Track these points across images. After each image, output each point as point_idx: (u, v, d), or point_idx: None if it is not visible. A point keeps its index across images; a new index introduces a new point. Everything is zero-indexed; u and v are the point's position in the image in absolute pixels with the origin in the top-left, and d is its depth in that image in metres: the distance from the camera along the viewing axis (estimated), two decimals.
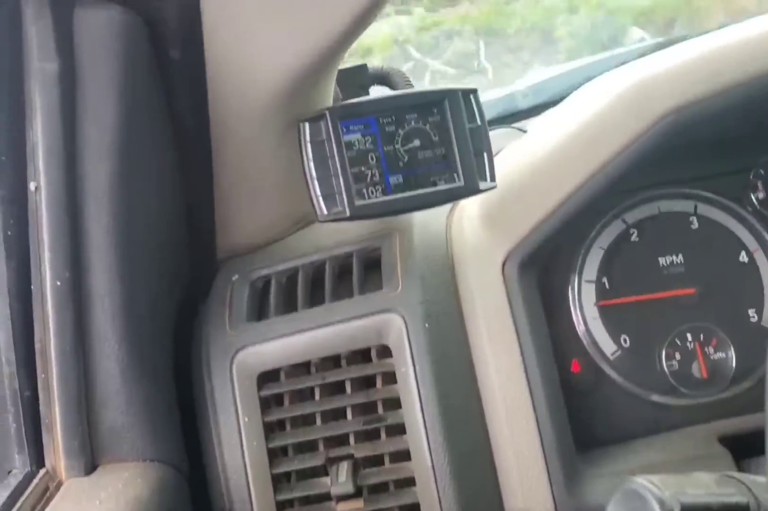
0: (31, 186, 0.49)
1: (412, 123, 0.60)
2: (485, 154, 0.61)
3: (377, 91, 0.76)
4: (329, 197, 0.58)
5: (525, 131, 0.89)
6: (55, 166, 0.48)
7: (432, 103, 0.60)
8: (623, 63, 0.76)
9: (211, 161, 0.61)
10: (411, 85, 0.74)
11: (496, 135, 0.93)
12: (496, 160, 0.64)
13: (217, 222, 0.65)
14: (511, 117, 1.05)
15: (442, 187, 0.60)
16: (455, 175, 0.60)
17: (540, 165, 0.63)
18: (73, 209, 0.49)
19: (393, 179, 0.59)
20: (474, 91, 0.61)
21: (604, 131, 0.59)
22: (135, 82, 0.50)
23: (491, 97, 1.20)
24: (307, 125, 0.58)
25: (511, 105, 1.08)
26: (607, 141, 0.59)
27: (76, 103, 0.48)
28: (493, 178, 0.61)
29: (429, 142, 0.60)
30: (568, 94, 1.05)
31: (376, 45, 5.11)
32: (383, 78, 0.75)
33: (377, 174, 0.59)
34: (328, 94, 0.64)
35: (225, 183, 0.62)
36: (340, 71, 0.74)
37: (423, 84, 5.24)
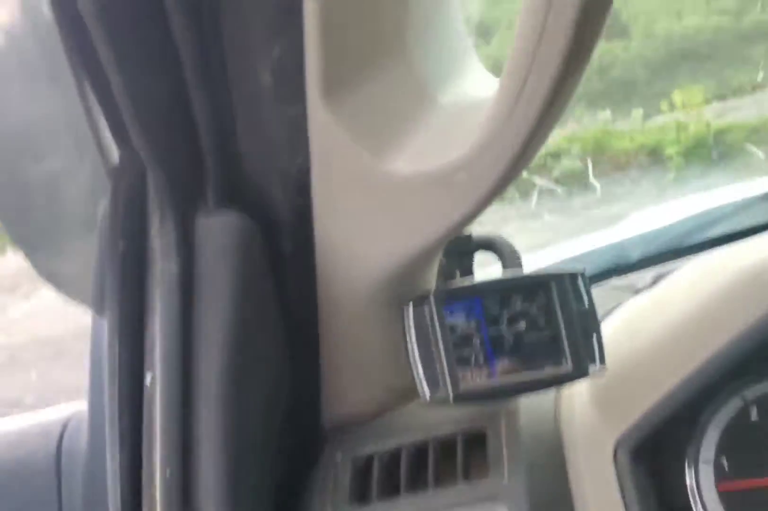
0: (148, 377, 0.51)
1: (518, 305, 0.60)
2: (594, 337, 0.60)
3: (482, 257, 0.77)
4: (433, 380, 0.58)
5: (634, 292, 0.88)
6: (173, 358, 0.50)
7: (538, 285, 0.60)
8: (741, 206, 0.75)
9: (318, 338, 0.62)
10: (515, 252, 0.75)
11: (603, 293, 0.92)
12: (604, 325, 0.62)
13: (323, 395, 0.66)
14: (620, 269, 1.03)
15: (550, 371, 0.59)
16: (563, 358, 0.59)
17: (654, 345, 0.61)
18: (187, 400, 0.51)
19: (498, 363, 0.59)
20: (581, 274, 0.61)
21: (723, 314, 0.58)
22: (249, 278, 0.52)
23: (599, 242, 1.20)
24: (411, 309, 0.59)
25: (620, 256, 1.07)
26: (728, 325, 0.57)
27: (193, 301, 0.50)
28: (603, 361, 0.59)
29: (535, 324, 0.60)
30: (679, 246, 1.04)
31: None
32: (488, 245, 0.76)
33: (482, 357, 0.59)
34: (433, 274, 0.65)
35: (331, 358, 0.64)
36: None
37: (530, 203, 5.31)
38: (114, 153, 0.49)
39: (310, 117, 0.45)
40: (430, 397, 0.58)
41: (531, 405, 0.64)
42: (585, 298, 0.60)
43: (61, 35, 0.40)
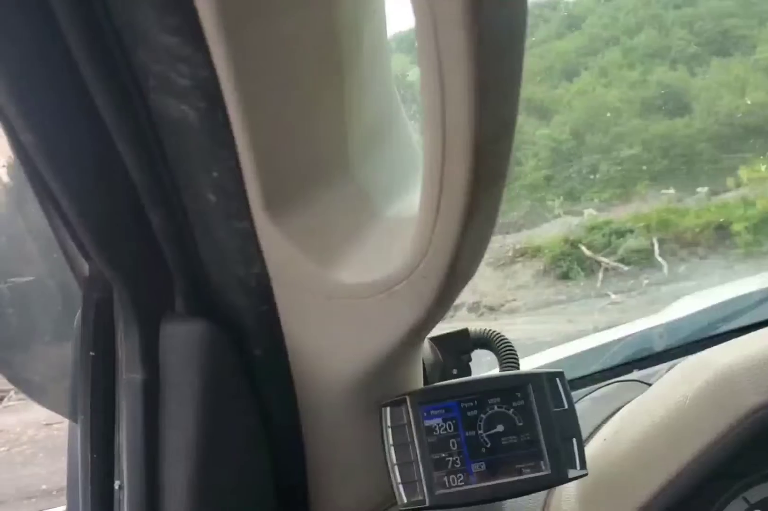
0: (116, 485, 0.52)
1: (495, 407, 0.59)
2: (574, 441, 0.58)
3: (479, 356, 0.77)
4: (409, 485, 0.58)
5: (650, 384, 0.86)
6: (138, 469, 0.51)
7: (515, 387, 0.60)
8: None
9: (302, 442, 0.62)
10: (512, 350, 0.75)
11: (621, 387, 0.91)
12: (615, 418, 0.61)
13: (310, 498, 0.66)
14: (644, 361, 1.01)
15: (528, 475, 0.58)
16: (541, 462, 0.58)
17: (639, 446, 0.60)
18: (153, 506, 0.52)
19: (475, 467, 0.58)
20: (560, 375, 0.60)
21: (699, 419, 0.56)
22: (216, 384, 0.53)
23: (631, 329, 1.18)
24: (388, 410, 0.59)
25: (645, 346, 1.05)
26: (704, 429, 0.56)
27: (159, 409, 0.52)
28: (583, 466, 0.58)
29: (513, 427, 0.59)
30: (704, 337, 1.01)
31: (546, 245, 5.20)
32: (485, 343, 0.76)
33: (459, 461, 0.58)
34: (417, 374, 0.65)
35: (317, 461, 0.64)
36: (441, 336, 0.76)
37: (595, 282, 5.21)
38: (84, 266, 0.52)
39: (259, 231, 0.47)
40: (406, 502, 0.57)
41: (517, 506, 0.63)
42: (564, 399, 0.59)
43: (21, 163, 0.44)
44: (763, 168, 5.20)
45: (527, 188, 5.74)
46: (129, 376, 0.51)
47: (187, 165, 0.44)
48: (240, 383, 0.56)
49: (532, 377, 0.60)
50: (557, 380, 0.60)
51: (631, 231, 5.20)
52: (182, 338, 0.52)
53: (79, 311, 0.53)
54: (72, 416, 0.56)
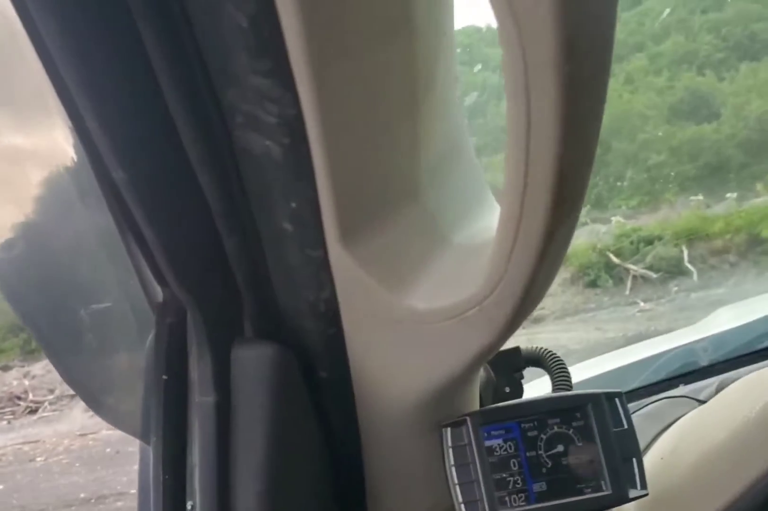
0: (188, 505, 0.53)
1: (555, 428, 0.60)
2: (634, 460, 0.59)
3: (531, 373, 0.78)
4: (471, 505, 0.58)
5: (701, 401, 0.86)
6: (210, 489, 0.52)
7: (575, 407, 0.60)
8: None
9: (362, 462, 0.63)
10: (564, 368, 0.75)
11: (670, 403, 0.91)
12: (660, 441, 0.61)
13: None
14: (689, 375, 1.01)
15: (589, 495, 0.58)
16: (602, 482, 0.58)
17: (696, 471, 0.60)
18: None
19: (536, 487, 0.59)
20: (619, 395, 0.61)
21: (755, 445, 0.56)
22: (286, 406, 0.55)
23: (669, 341, 1.18)
24: (448, 430, 0.60)
25: (690, 360, 1.05)
26: (757, 457, 0.56)
27: (230, 432, 0.53)
28: (644, 486, 0.58)
29: (573, 447, 0.59)
30: (750, 351, 1.01)
31: (574, 253, 5.18)
32: (537, 361, 0.77)
33: (520, 481, 0.59)
34: (474, 394, 0.66)
35: (376, 482, 0.65)
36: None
37: (624, 290, 5.18)
38: (158, 291, 0.53)
39: (331, 258, 0.48)
40: None
41: None
42: (624, 419, 0.60)
43: (103, 193, 0.46)
44: None
45: None
46: (202, 399, 0.52)
47: (265, 196, 0.45)
48: (306, 403, 0.57)
49: (592, 398, 0.60)
50: (616, 400, 0.60)
51: (660, 238, 5.18)
52: (252, 361, 0.53)
53: (151, 336, 0.55)
54: (144, 438, 0.57)
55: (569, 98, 0.33)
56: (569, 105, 0.33)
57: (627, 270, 5.17)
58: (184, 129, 0.41)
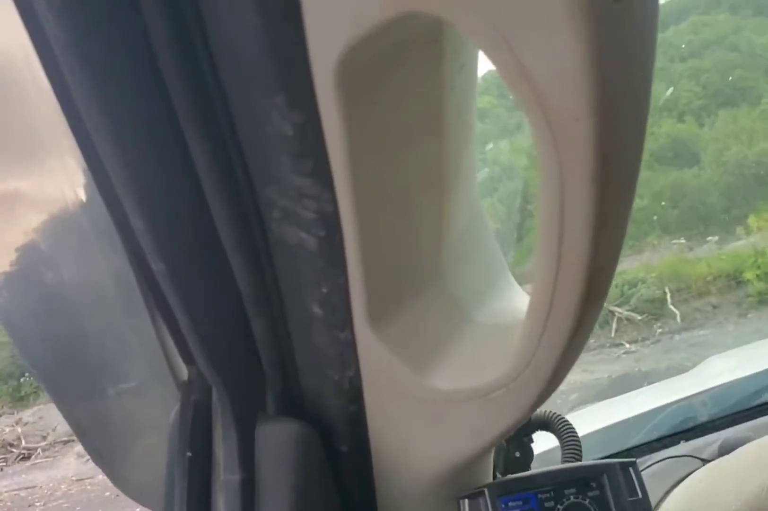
0: None
1: (572, 498, 0.61)
2: None
3: (541, 436, 0.78)
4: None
5: (703, 460, 0.87)
6: None
7: (590, 478, 0.61)
8: None
9: None
10: (574, 432, 0.76)
11: (673, 462, 0.91)
12: (669, 500, 0.62)
13: None
14: (689, 431, 1.02)
15: None
16: None
17: None
18: None
19: None
20: (632, 464, 0.61)
21: None
22: (308, 482, 0.55)
23: (666, 391, 1.19)
24: (466, 502, 0.60)
25: (689, 415, 1.06)
26: None
27: (254, 508, 0.53)
28: None
29: None
30: (749, 407, 1.02)
31: None
32: (546, 424, 0.78)
33: None
34: (489, 466, 0.67)
35: None
36: None
37: (609, 332, 5.20)
38: (182, 369, 0.54)
39: (358, 339, 0.49)
40: None
41: None
42: (638, 488, 0.61)
43: (134, 271, 0.47)
44: None
45: None
46: (227, 476, 0.53)
47: (296, 281, 0.47)
48: (328, 479, 0.58)
49: (607, 468, 0.61)
50: (630, 469, 0.61)
51: (644, 281, 5.24)
52: (276, 438, 0.54)
53: (174, 413, 0.55)
54: None
55: (602, 203, 0.34)
56: (602, 208, 0.35)
57: (612, 312, 5.21)
58: (222, 223, 0.42)
